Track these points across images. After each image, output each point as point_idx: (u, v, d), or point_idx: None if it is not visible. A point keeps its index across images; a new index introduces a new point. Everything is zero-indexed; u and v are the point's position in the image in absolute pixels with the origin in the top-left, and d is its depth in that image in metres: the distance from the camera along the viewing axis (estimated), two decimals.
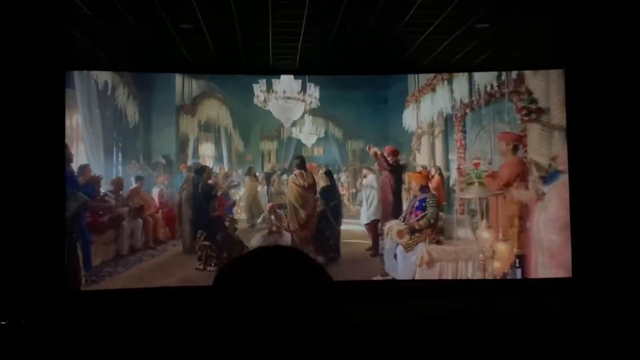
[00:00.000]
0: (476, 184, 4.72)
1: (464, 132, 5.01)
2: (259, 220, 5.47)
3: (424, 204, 4.75)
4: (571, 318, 3.82)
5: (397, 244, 4.81)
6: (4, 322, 3.63)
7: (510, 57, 4.35)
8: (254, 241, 5.28)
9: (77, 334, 3.57)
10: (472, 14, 3.36)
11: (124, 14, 3.28)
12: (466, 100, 4.83)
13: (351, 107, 5.22)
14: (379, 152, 5.08)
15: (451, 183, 5.13)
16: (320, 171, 5.40)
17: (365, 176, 5.42)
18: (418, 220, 4.76)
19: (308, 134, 5.59)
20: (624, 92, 4.06)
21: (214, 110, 5.35)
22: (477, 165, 4.79)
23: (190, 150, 5.29)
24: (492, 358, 3.39)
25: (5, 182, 3.98)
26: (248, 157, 5.66)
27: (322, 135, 5.56)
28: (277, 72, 4.91)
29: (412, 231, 4.76)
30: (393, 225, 4.89)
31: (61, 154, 4.25)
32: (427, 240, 4.73)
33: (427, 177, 4.92)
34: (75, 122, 4.56)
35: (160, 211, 5.10)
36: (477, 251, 4.68)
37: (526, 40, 3.90)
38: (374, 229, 5.26)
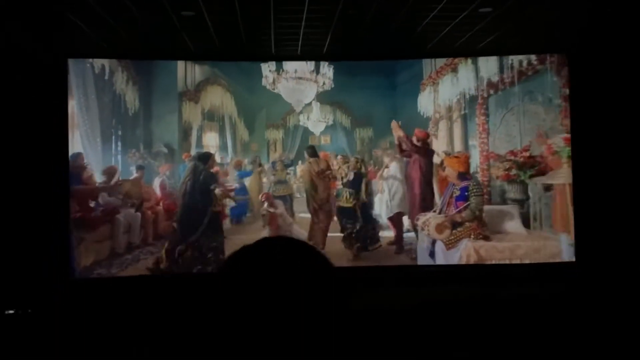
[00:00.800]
0: (565, 165, 4.11)
1: (487, 115, 4.65)
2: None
3: (466, 193, 4.15)
4: (573, 302, 3.75)
5: (435, 240, 4.25)
6: (11, 311, 3.56)
7: (514, 42, 4.18)
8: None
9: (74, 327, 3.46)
10: None
11: (125, 1, 3.22)
12: (495, 79, 4.39)
13: (359, 93, 4.99)
14: (402, 134, 4.59)
15: (471, 170, 4.76)
16: (338, 158, 5.05)
17: (387, 165, 4.98)
18: (459, 211, 4.17)
19: (316, 121, 5.34)
20: (628, 77, 4.00)
21: (218, 97, 5.12)
22: (570, 140, 4.14)
23: (193, 139, 5.04)
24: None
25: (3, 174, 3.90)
26: (253, 146, 5.45)
27: (330, 122, 5.32)
28: (279, 59, 4.76)
29: (454, 225, 4.16)
30: (430, 219, 4.29)
31: (64, 143, 4.10)
32: (472, 236, 4.13)
33: (467, 162, 4.36)
34: (70, 108, 4.28)
35: (161, 204, 4.78)
36: (535, 249, 4.12)
37: (529, 25, 3.80)
38: (398, 222, 4.80)
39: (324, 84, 4.85)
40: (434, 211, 4.42)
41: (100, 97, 4.47)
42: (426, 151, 4.64)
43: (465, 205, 4.15)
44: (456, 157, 4.46)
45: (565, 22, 3.75)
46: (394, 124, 4.66)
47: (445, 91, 4.76)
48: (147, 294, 3.95)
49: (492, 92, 4.57)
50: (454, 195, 4.22)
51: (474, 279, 4.05)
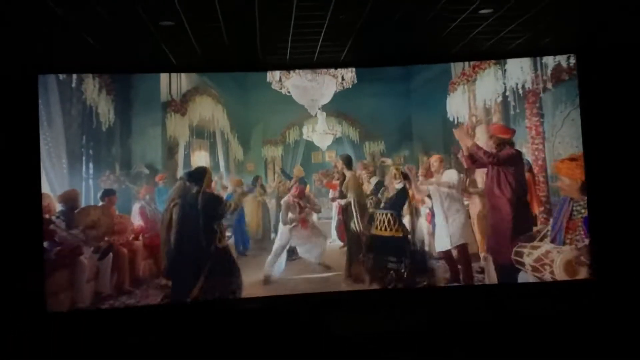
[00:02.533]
0: None
1: (541, 115, 3.87)
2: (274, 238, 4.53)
3: None
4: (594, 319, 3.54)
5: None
6: None
7: (517, 43, 3.83)
8: (277, 269, 4.24)
9: None
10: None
11: (101, 13, 3.10)
12: (566, 64, 3.56)
13: (367, 103, 4.59)
14: (470, 143, 3.65)
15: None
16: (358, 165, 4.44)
17: (423, 174, 4.05)
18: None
19: (322, 133, 4.87)
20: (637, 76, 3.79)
21: (208, 109, 4.68)
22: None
23: (180, 158, 4.55)
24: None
25: None
26: (249, 166, 4.98)
27: (338, 135, 4.87)
28: (266, 69, 4.42)
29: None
30: (550, 253, 3.27)
31: (36, 168, 3.75)
32: None
33: None
34: None
35: (141, 237, 4.06)
36: None
37: (532, 25, 3.57)
38: (464, 255, 3.81)
39: (343, 79, 4.20)
40: (542, 239, 3.46)
41: (66, 109, 4.00)
42: (514, 157, 3.68)
43: None
44: (573, 159, 3.45)
45: (571, 21, 3.50)
46: (460, 131, 3.80)
47: (485, 89, 4.08)
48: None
49: (549, 85, 3.79)
50: (577, 216, 3.16)
51: (488, 299, 3.76)
